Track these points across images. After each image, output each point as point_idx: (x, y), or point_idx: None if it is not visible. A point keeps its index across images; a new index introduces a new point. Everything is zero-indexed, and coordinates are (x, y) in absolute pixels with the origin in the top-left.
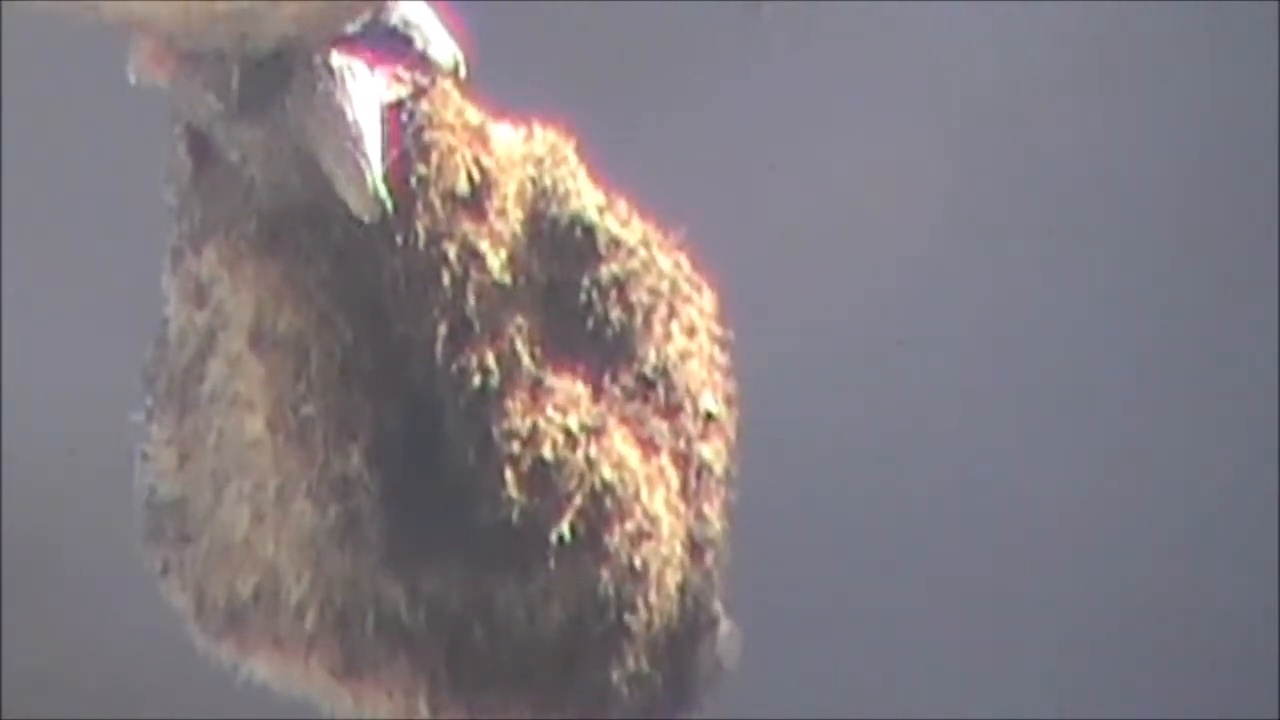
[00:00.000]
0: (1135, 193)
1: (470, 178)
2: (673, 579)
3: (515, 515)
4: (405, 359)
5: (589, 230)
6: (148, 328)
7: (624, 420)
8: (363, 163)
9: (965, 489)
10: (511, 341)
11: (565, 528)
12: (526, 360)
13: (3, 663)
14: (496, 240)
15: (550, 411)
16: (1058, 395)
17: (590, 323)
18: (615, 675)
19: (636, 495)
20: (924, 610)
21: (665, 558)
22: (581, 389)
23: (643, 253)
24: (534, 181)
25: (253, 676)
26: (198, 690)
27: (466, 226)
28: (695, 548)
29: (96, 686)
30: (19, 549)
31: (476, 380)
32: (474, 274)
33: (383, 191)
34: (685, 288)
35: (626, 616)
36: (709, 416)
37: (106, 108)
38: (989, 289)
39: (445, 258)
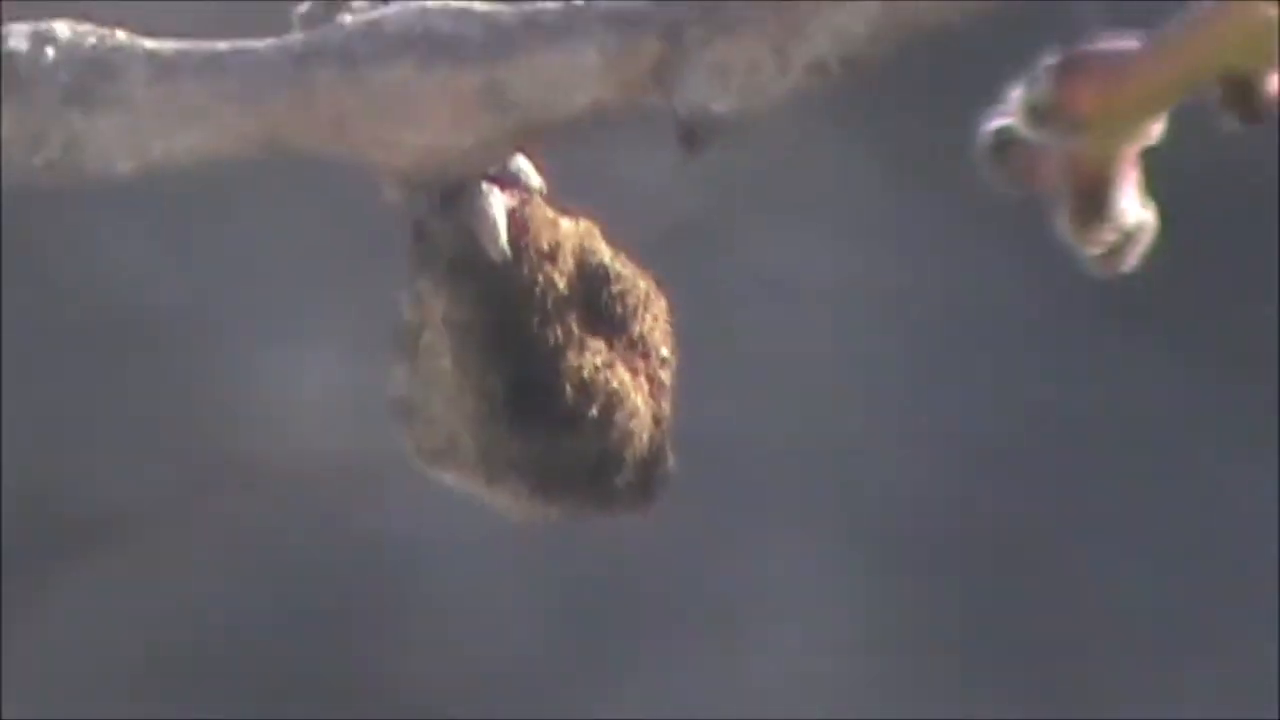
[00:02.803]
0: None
1: (550, 243)
2: (647, 436)
3: (571, 408)
4: (518, 342)
5: (606, 268)
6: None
7: (622, 360)
8: (498, 238)
9: None
10: (570, 324)
11: (595, 411)
12: (576, 332)
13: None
14: (561, 274)
15: (588, 356)
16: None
17: (605, 313)
18: (619, 485)
19: (629, 395)
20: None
21: (643, 426)
22: (602, 345)
23: (631, 278)
24: (580, 244)
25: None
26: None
27: (547, 268)
28: (658, 421)
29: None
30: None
31: (553, 345)
32: (550, 292)
33: (507, 253)
34: (652, 294)
35: (625, 453)
36: (664, 360)
37: (356, 205)
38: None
39: (537, 284)
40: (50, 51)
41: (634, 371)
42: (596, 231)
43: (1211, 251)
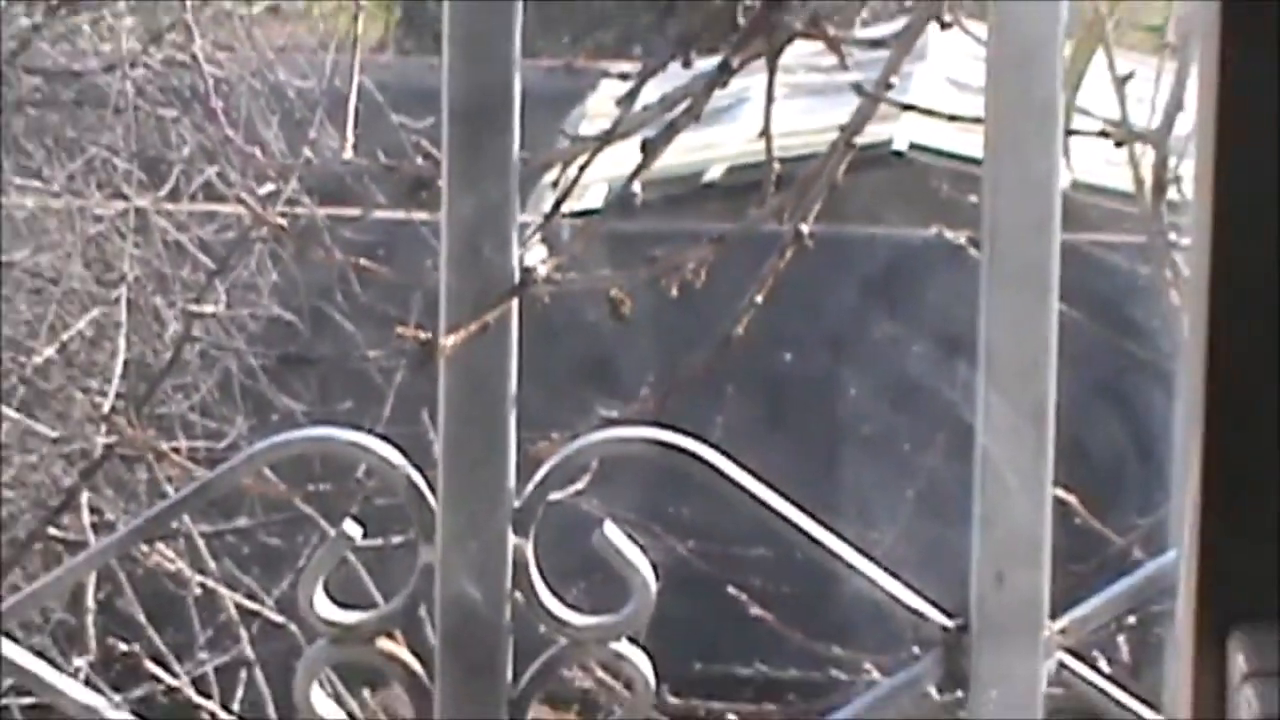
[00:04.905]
0: None
1: (611, 290)
2: (625, 308)
3: (618, 309)
4: (612, 302)
5: (620, 296)
6: None
7: (626, 301)
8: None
9: None
10: (621, 301)
11: (618, 308)
12: (619, 302)
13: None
14: (619, 293)
15: (622, 306)
16: None
17: (622, 301)
18: (625, 316)
19: (625, 309)
20: None
21: (625, 308)
22: (623, 301)
23: (625, 293)
24: (620, 292)
25: None
26: None
27: (617, 296)
28: (625, 310)
29: None
30: None
31: (618, 302)
32: (617, 296)
33: (616, 295)
34: (621, 295)
35: (622, 312)
36: (626, 302)
37: None
38: None
39: (615, 295)
40: None
41: (623, 307)
42: (623, 291)
43: None
